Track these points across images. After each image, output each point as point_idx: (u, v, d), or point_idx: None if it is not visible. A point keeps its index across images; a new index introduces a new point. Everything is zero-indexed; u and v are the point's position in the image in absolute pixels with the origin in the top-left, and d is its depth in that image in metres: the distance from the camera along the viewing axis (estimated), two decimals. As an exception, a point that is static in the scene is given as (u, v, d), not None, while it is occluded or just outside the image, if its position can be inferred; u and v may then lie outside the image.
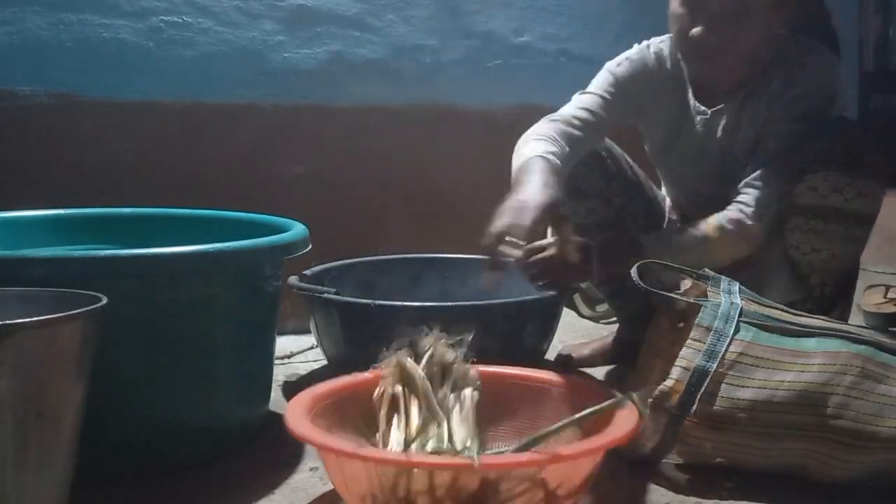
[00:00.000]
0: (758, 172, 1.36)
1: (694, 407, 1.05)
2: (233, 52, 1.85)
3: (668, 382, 1.07)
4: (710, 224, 1.36)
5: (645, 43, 1.54)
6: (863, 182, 1.30)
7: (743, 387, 1.06)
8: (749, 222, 1.34)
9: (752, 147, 1.43)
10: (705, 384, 1.05)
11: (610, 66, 1.51)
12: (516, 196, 1.17)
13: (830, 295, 1.38)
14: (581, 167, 1.49)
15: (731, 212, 1.36)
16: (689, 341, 1.09)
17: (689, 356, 1.08)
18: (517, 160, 1.32)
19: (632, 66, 1.50)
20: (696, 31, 1.34)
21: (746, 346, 1.08)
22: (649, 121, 1.56)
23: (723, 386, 1.06)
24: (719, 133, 1.47)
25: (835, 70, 1.41)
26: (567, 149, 1.38)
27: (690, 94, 1.50)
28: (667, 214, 1.65)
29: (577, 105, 1.47)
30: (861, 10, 3.27)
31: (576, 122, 1.44)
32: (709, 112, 1.48)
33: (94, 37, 1.72)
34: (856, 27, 3.14)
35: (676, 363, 1.08)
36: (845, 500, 1.04)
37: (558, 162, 1.32)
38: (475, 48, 2.15)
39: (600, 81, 1.50)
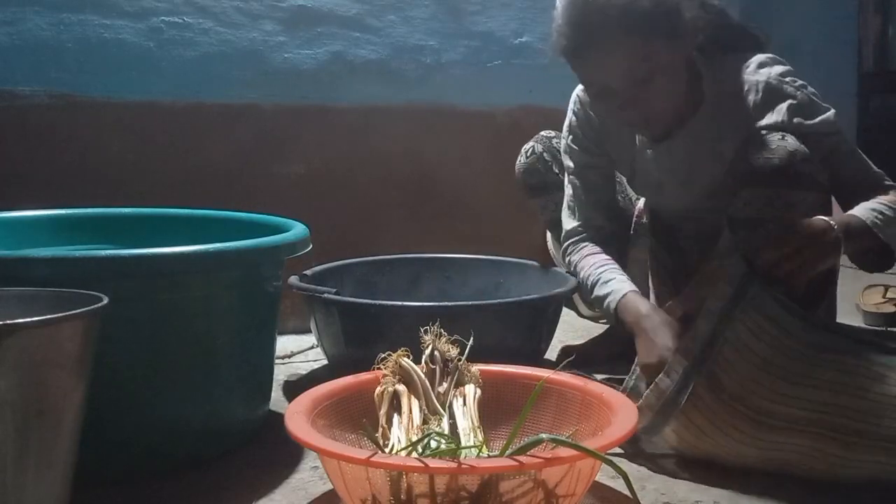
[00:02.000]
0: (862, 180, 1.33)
1: (706, 364, 1.06)
2: (233, 52, 1.86)
3: (695, 331, 1.09)
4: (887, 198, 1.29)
5: (574, 95, 1.55)
6: (793, 193, 1.26)
7: (746, 360, 1.06)
8: None
9: (712, 175, 1.39)
10: (718, 342, 1.07)
11: (563, 144, 1.58)
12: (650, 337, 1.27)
13: (805, 298, 1.34)
14: (540, 163, 1.61)
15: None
16: (714, 292, 1.10)
17: (713, 309, 1.09)
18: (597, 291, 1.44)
19: (573, 132, 1.55)
20: (617, 112, 1.35)
21: (757, 314, 1.09)
22: (610, 151, 1.57)
23: (731, 350, 1.07)
24: (673, 163, 1.45)
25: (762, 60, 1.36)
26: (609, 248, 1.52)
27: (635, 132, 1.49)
28: (634, 216, 1.67)
29: (572, 212, 1.57)
30: (861, 10, 3.28)
31: (590, 228, 1.55)
32: (657, 145, 1.45)
33: (94, 37, 1.72)
34: (855, 27, 3.15)
35: (701, 314, 1.10)
36: (844, 499, 1.04)
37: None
38: (475, 48, 2.15)
39: (567, 162, 1.58)
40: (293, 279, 1.54)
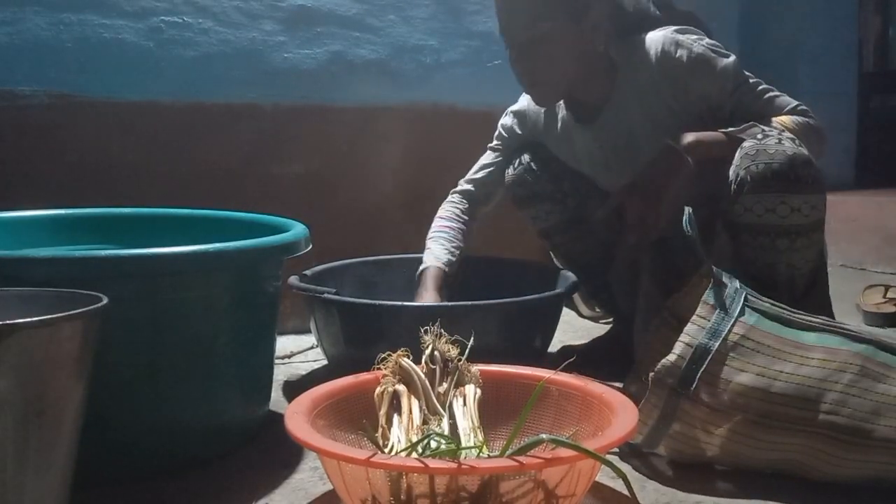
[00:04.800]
0: (760, 107, 1.41)
1: (694, 385, 1.06)
2: (233, 52, 1.86)
3: (671, 357, 1.08)
4: (779, 119, 1.38)
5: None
6: (795, 197, 1.27)
7: (742, 371, 1.06)
8: (809, 116, 1.40)
9: (654, 136, 1.43)
10: (706, 362, 1.07)
11: (503, 121, 1.70)
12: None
13: (801, 300, 1.35)
14: (528, 174, 1.61)
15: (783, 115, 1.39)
16: (694, 318, 1.10)
17: (692, 333, 1.09)
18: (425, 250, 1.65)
19: (515, 113, 1.66)
20: (511, 61, 1.45)
21: (749, 330, 1.09)
22: (549, 147, 1.61)
23: (723, 368, 1.07)
24: (605, 139, 1.51)
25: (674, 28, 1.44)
26: (469, 219, 1.70)
27: (568, 114, 1.55)
28: None
29: (478, 166, 1.73)
30: (861, 10, 3.28)
31: (473, 187, 1.72)
32: (586, 124, 1.52)
33: (94, 37, 1.72)
34: (855, 27, 3.14)
35: (680, 339, 1.09)
36: (845, 500, 1.04)
37: (454, 251, 1.65)
38: (475, 48, 2.16)
39: (496, 134, 1.71)
40: (293, 279, 1.54)
